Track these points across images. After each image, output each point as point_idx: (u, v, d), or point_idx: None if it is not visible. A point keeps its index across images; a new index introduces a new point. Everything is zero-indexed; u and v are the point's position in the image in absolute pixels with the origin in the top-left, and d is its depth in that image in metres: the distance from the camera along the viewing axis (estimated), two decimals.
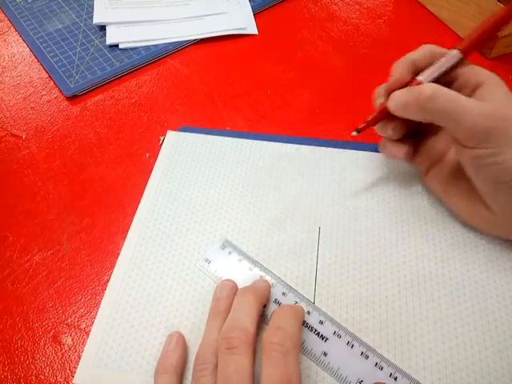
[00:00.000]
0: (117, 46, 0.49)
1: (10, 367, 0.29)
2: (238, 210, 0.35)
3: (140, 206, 0.36)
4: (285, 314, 0.27)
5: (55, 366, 0.29)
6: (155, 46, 0.49)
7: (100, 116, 0.43)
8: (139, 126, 0.42)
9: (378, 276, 0.32)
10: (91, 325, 0.30)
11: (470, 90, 0.30)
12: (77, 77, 0.46)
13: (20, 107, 0.44)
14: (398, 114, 0.30)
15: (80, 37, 0.50)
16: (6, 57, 0.49)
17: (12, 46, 0.50)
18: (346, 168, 0.38)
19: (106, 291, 0.32)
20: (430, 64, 0.31)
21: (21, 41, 0.50)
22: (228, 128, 0.42)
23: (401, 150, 0.33)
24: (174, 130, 0.41)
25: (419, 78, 0.31)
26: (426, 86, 0.28)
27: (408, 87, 0.30)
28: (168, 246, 0.33)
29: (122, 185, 0.38)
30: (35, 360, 0.29)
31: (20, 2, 0.54)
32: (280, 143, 0.40)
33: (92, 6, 0.53)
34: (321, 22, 0.52)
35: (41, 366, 0.29)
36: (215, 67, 0.47)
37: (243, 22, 0.51)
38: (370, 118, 0.33)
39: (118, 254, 0.33)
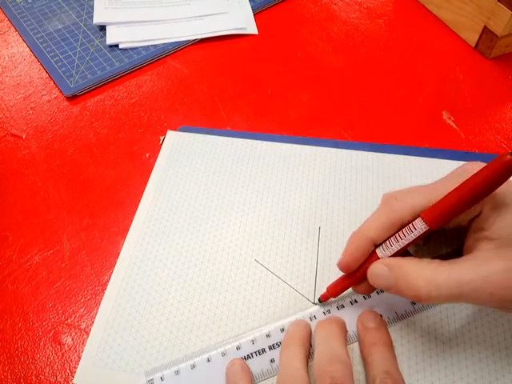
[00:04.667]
0: (117, 46, 0.49)
1: (10, 367, 0.29)
2: (238, 209, 0.35)
3: (140, 205, 0.36)
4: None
5: (55, 366, 0.29)
6: (155, 46, 0.49)
7: (100, 116, 0.43)
8: (139, 126, 0.42)
9: None
10: (91, 325, 0.30)
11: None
12: (77, 77, 0.46)
13: (20, 107, 0.44)
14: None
15: (80, 37, 0.50)
16: (6, 57, 0.49)
17: (12, 46, 0.50)
18: (346, 168, 0.38)
19: (106, 291, 0.32)
20: (392, 233, 0.26)
21: (21, 41, 0.50)
22: (228, 128, 0.42)
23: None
24: (174, 130, 0.41)
25: (380, 253, 0.26)
26: (421, 284, 0.23)
27: (396, 276, 0.25)
28: (168, 246, 0.33)
29: (122, 185, 0.38)
30: (35, 360, 0.29)
31: (20, 2, 0.54)
32: (280, 143, 0.40)
33: (92, 6, 0.53)
34: (321, 22, 0.52)
35: (41, 366, 0.29)
36: (215, 67, 0.47)
37: (243, 22, 0.51)
38: (331, 286, 0.29)
39: (118, 254, 0.33)
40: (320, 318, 0.29)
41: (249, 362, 0.27)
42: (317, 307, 0.30)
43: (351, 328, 0.28)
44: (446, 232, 0.29)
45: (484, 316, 0.29)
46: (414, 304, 0.29)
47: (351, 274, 0.28)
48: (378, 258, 0.26)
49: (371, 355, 0.26)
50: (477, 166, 0.24)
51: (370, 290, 0.28)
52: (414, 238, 0.25)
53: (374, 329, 0.28)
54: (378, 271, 0.26)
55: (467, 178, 0.24)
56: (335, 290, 0.29)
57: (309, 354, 0.27)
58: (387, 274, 0.25)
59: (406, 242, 0.25)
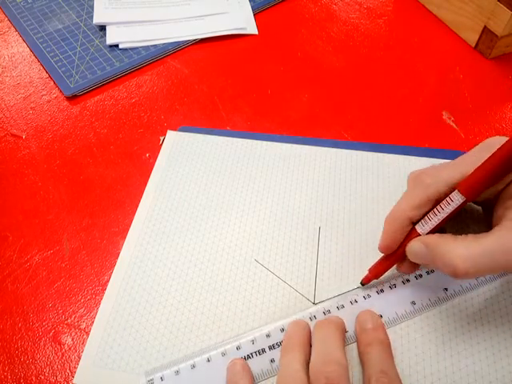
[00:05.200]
0: (117, 46, 0.49)
1: (10, 367, 0.29)
2: (238, 209, 0.35)
3: (140, 205, 0.36)
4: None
5: (55, 366, 0.29)
6: (155, 46, 0.49)
7: (100, 116, 0.43)
8: (139, 126, 0.42)
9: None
10: (91, 325, 0.30)
11: None
12: (77, 77, 0.46)
13: (20, 107, 0.44)
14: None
15: (80, 37, 0.50)
16: (6, 57, 0.49)
17: (12, 46, 0.50)
18: (346, 168, 0.38)
19: (106, 291, 0.32)
20: (428, 209, 0.27)
21: (21, 41, 0.50)
22: (228, 128, 0.42)
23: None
24: (174, 130, 0.41)
25: (420, 229, 0.27)
26: (458, 262, 0.24)
27: (433, 254, 0.26)
28: (168, 246, 0.33)
29: (122, 185, 0.38)
30: (35, 360, 0.29)
31: (20, 2, 0.54)
32: (280, 143, 0.40)
33: (92, 6, 0.53)
34: (321, 22, 0.52)
35: (41, 366, 0.29)
36: (215, 67, 0.47)
37: (243, 22, 0.51)
38: (373, 268, 0.30)
39: (118, 254, 0.33)
40: (320, 317, 0.29)
41: (249, 361, 0.27)
42: (317, 307, 0.30)
43: (351, 328, 0.28)
44: (475, 209, 0.30)
45: (484, 316, 0.29)
46: (414, 304, 0.29)
47: (392, 254, 0.29)
48: (419, 235, 0.27)
49: (368, 354, 0.27)
50: (499, 139, 0.25)
51: (413, 268, 0.29)
52: (452, 210, 0.26)
53: (371, 329, 0.28)
54: (415, 249, 0.27)
55: (495, 149, 0.24)
56: (377, 271, 0.30)
57: (308, 355, 0.27)
58: (424, 251, 0.26)
59: (445, 215, 0.26)
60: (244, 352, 0.28)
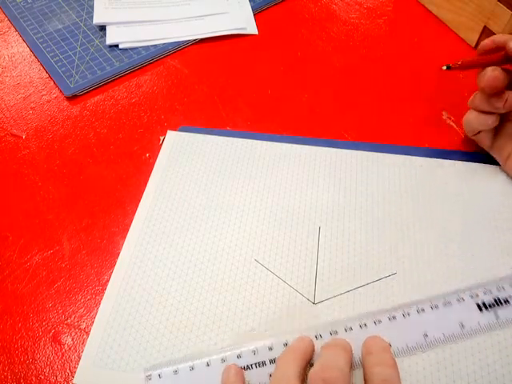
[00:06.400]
0: (117, 46, 0.49)
1: (10, 367, 0.29)
2: (238, 209, 0.35)
3: (140, 205, 0.36)
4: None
5: (55, 366, 0.29)
6: (155, 46, 0.49)
7: (100, 116, 0.43)
8: (139, 126, 0.42)
9: (377, 276, 0.32)
10: (91, 325, 0.30)
11: None
12: (77, 77, 0.46)
13: (20, 107, 0.44)
14: None
15: (80, 37, 0.50)
16: (6, 57, 0.49)
17: (12, 46, 0.50)
18: (346, 168, 0.38)
19: (106, 291, 0.32)
20: None
21: (21, 41, 0.50)
22: (228, 128, 0.42)
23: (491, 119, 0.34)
24: (174, 130, 0.41)
25: None
26: None
27: None
28: (168, 246, 0.33)
29: (122, 185, 0.38)
30: (35, 360, 0.29)
31: (20, 2, 0.54)
32: (280, 143, 0.40)
33: (92, 6, 0.53)
34: (321, 22, 0.52)
35: (41, 366, 0.29)
36: (215, 67, 0.47)
37: (243, 22, 0.51)
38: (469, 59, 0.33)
39: (118, 254, 0.33)
40: (326, 337, 0.28)
41: (248, 373, 0.27)
42: (324, 326, 0.29)
43: (357, 353, 0.27)
44: None
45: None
46: (427, 336, 0.28)
47: (487, 55, 0.31)
48: None
49: (372, 375, 0.25)
50: None
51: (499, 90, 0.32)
52: None
53: (377, 352, 0.26)
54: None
55: None
56: (468, 60, 0.32)
57: (307, 365, 0.26)
58: None
59: None
60: (245, 361, 0.27)
